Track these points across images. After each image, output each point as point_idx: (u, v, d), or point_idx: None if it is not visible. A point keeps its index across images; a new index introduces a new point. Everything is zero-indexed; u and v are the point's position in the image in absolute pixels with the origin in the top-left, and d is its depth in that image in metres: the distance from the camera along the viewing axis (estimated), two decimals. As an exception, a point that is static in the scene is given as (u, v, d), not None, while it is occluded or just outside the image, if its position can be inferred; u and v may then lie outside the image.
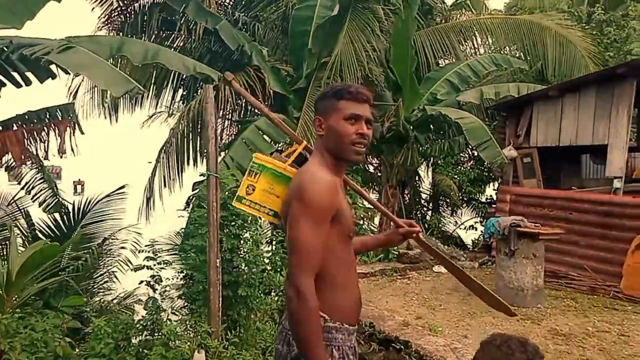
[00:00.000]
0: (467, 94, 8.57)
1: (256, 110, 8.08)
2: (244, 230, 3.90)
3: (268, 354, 3.78)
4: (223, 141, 8.31)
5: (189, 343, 3.36)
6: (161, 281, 3.80)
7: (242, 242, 3.84)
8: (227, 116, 8.45)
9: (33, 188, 7.00)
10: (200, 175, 4.05)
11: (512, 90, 8.21)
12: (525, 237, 5.05)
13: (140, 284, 3.86)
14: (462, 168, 12.22)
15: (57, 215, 6.64)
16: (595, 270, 5.93)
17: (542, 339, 4.23)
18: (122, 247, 6.17)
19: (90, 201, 6.74)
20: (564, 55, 9.28)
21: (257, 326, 3.98)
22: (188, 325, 3.72)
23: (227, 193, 3.82)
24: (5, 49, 3.99)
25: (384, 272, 6.47)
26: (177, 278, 4.35)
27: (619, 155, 5.96)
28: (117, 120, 9.69)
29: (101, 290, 6.95)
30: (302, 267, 1.49)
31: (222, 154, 6.41)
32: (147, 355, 3.54)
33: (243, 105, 7.96)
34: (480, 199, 12.18)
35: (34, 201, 7.06)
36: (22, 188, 6.96)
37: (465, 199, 12.12)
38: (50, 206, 7.13)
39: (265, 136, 6.40)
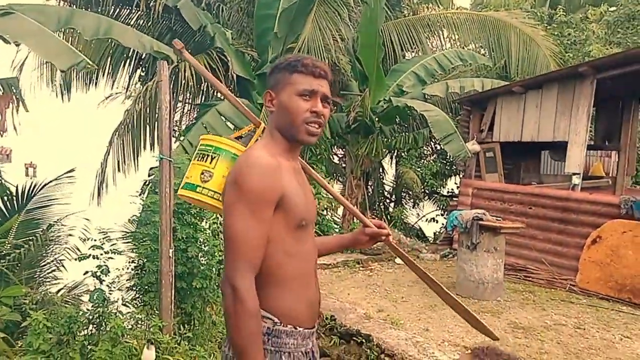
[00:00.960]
0: (433, 87, 8.58)
1: (219, 95, 7.79)
2: (201, 219, 3.69)
3: (217, 344, 3.61)
4: (183, 126, 7.97)
5: (137, 338, 3.13)
6: (109, 272, 3.53)
7: (198, 231, 3.62)
8: (187, 100, 8.10)
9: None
10: (156, 160, 3.78)
11: (476, 85, 8.28)
12: (487, 230, 5.06)
13: (85, 274, 3.58)
14: (425, 161, 12.36)
15: (-2, 199, 6.16)
16: (552, 264, 6.06)
17: (502, 332, 4.23)
18: (70, 235, 5.79)
19: (35, 185, 6.29)
20: (527, 53, 9.42)
21: (213, 320, 3.78)
22: (138, 319, 3.48)
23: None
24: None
25: (346, 263, 6.38)
26: (129, 268, 4.08)
27: (578, 152, 6.08)
28: (69, 100, 9.14)
29: (47, 280, 6.54)
30: (238, 261, 1.31)
31: (182, 138, 6.12)
32: (92, 351, 3.29)
33: (204, 89, 7.65)
34: (442, 192, 12.39)
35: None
36: (-40, 169, 6.43)
37: (427, 191, 12.29)
38: (-10, 189, 6.63)
39: (227, 122, 6.15)
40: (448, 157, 10.46)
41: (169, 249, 3.24)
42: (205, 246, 3.68)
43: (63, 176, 6.59)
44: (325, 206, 7.29)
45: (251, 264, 1.32)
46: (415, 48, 10.53)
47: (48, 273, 6.50)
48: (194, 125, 6.23)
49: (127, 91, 9.58)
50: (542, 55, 9.35)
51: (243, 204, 1.32)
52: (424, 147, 12.08)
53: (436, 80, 9.43)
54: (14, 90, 5.39)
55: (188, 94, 7.77)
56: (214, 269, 3.68)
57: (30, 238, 5.68)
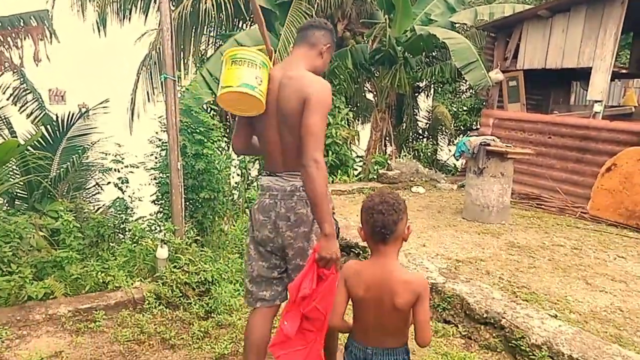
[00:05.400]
0: (461, 15, 8.31)
1: (240, 26, 7.90)
2: (209, 137, 3.99)
3: (227, 250, 4.03)
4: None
5: (153, 240, 3.57)
6: (128, 182, 3.97)
7: (205, 148, 3.93)
8: (210, 33, 8.24)
9: (18, 99, 7.07)
10: (161, 80, 4.06)
11: (507, 11, 7.93)
12: (494, 156, 5.13)
13: (107, 184, 4.02)
14: (460, 97, 12.13)
15: (42, 127, 6.74)
16: (567, 193, 6.07)
17: (496, 249, 4.43)
18: (103, 159, 6.29)
19: (73, 114, 6.81)
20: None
21: (222, 229, 4.19)
22: (154, 225, 3.93)
23: (188, 99, 3.87)
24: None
25: (362, 190, 6.64)
26: (150, 183, 4.50)
27: (601, 78, 5.88)
28: (105, 35, 9.51)
29: (91, 202, 7.22)
30: (318, 146, 1.92)
31: (201, 67, 6.37)
32: (116, 249, 3.78)
33: (224, 20, 7.73)
34: (477, 128, 12.19)
35: (21, 112, 7.16)
36: (8, 99, 7.03)
37: (462, 128, 12.15)
38: (38, 118, 7.24)
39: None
40: (475, 90, 10.19)
41: (177, 162, 3.59)
42: (214, 161, 4.01)
43: (98, 107, 7.07)
44: (345, 136, 7.46)
45: (322, 147, 1.96)
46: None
47: (92, 195, 7.17)
48: (213, 55, 6.44)
49: (159, 26, 9.84)
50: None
51: (322, 112, 1.95)
52: (460, 82, 11.82)
53: (468, 7, 9.07)
54: (46, 23, 5.74)
55: (212, 25, 7.90)
56: (221, 183, 4.04)
57: (70, 161, 6.23)
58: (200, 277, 3.43)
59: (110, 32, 9.40)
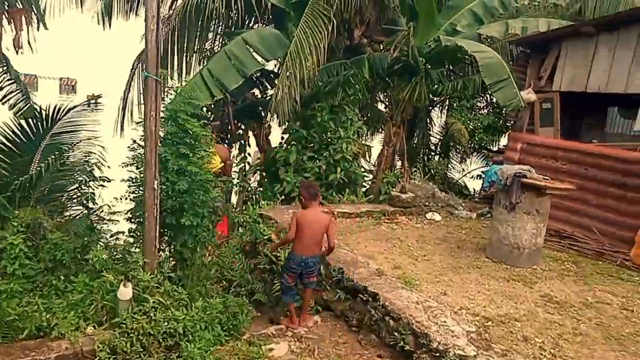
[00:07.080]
0: (490, 28, 7.62)
1: (249, 24, 7.23)
2: (195, 151, 3.30)
3: (207, 288, 3.33)
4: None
5: (113, 273, 2.89)
6: (94, 199, 3.29)
7: (190, 164, 3.24)
8: (216, 30, 7.53)
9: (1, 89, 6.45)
10: (143, 78, 3.38)
11: (542, 26, 7.24)
12: (529, 189, 4.42)
13: (75, 199, 3.35)
14: (477, 114, 11.43)
15: (23, 122, 6.10)
16: (604, 233, 5.35)
17: (531, 304, 3.72)
18: (86, 161, 5.64)
19: (60, 109, 6.16)
20: (608, -7, 8.12)
21: (204, 261, 3.50)
22: (125, 253, 3.24)
23: (178, 103, 3.20)
24: None
25: (371, 214, 5.93)
26: (127, 198, 3.82)
27: (654, 107, 5.16)
28: (110, 27, 8.91)
29: (73, 205, 6.56)
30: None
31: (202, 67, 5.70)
32: (70, 284, 3.10)
33: (234, 17, 7.04)
34: (492, 148, 11.50)
35: (3, 104, 6.53)
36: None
37: (476, 146, 11.48)
38: (22, 110, 6.60)
39: (252, 52, 5.65)
40: (504, 110, 9.51)
41: (153, 180, 2.91)
42: (197, 180, 3.32)
43: (86, 102, 6.43)
44: (356, 151, 6.76)
45: None
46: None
47: (72, 199, 6.47)
48: (217, 54, 5.78)
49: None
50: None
51: None
52: (478, 98, 11.15)
53: (497, 20, 8.38)
54: (33, 6, 5.13)
55: (220, 23, 7.23)
56: (205, 207, 3.34)
57: (45, 162, 5.57)
58: (170, 327, 2.74)
59: (118, 25, 8.80)
